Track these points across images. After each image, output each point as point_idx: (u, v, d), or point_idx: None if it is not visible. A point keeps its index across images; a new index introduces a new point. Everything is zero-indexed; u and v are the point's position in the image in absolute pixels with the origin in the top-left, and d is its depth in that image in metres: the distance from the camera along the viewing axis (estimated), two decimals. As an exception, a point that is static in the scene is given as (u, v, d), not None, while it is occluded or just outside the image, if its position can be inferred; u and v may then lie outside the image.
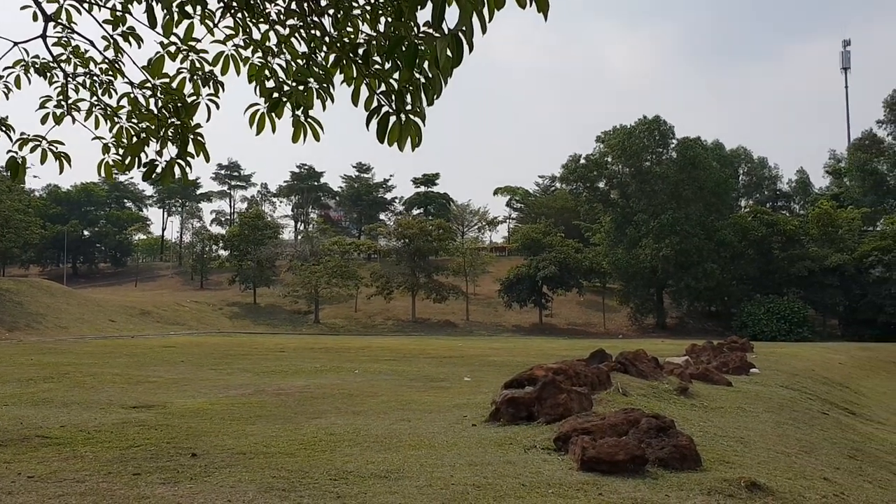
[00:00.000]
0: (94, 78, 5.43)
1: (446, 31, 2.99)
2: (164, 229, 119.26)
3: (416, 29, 3.28)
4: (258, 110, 4.50)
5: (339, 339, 46.62)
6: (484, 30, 3.04)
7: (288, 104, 4.33)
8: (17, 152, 5.08)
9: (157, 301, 71.11)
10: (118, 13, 5.06)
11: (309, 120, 4.38)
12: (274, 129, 4.48)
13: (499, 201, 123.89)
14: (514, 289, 71.91)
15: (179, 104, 4.89)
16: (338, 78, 4.14)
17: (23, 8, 5.04)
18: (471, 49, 3.01)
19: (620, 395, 9.94)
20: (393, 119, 3.58)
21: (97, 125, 5.46)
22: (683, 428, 7.61)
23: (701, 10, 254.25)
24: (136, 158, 5.11)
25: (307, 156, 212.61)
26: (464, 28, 2.97)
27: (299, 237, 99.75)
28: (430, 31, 3.07)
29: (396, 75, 3.58)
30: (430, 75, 3.33)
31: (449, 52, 2.92)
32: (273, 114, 4.41)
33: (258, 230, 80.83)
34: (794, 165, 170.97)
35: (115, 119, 5.38)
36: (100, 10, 5.13)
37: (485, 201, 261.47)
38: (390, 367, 19.56)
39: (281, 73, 4.63)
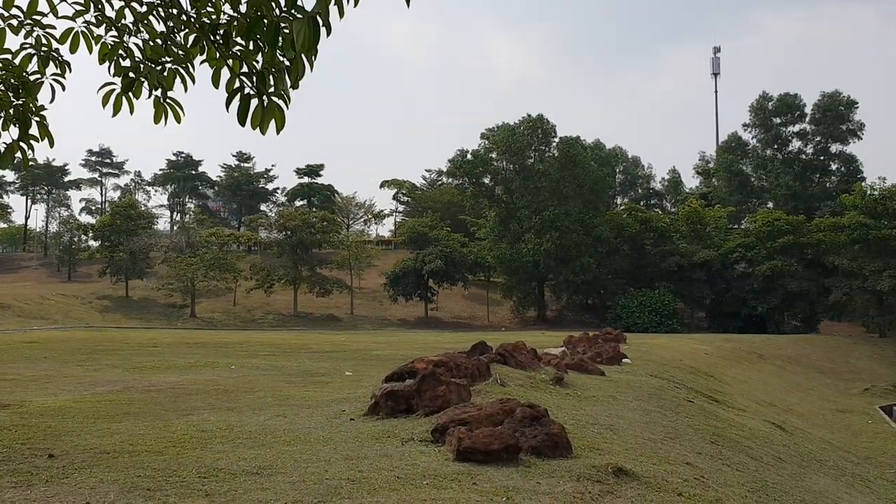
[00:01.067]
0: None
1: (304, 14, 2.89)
2: (27, 218, 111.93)
3: (277, 10, 3.18)
4: (113, 90, 4.21)
5: (217, 333, 45.18)
6: (341, 14, 2.98)
7: (146, 84, 4.10)
8: None
9: (19, 294, 66.76)
10: None
11: (168, 101, 4.16)
12: (132, 111, 4.21)
13: (385, 194, 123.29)
14: (399, 282, 72.01)
15: (20, 83, 4.52)
16: (202, 60, 3.96)
17: None
18: (328, 31, 2.93)
19: (499, 385, 10.09)
20: (255, 102, 3.44)
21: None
22: (557, 417, 7.80)
23: (587, 15, 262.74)
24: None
25: (185, 144, 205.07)
26: (319, 11, 2.89)
27: (175, 228, 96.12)
28: (292, 12, 3.00)
29: (259, 57, 3.45)
30: (293, 58, 3.24)
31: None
32: (130, 94, 4.16)
33: (131, 220, 77.43)
34: (667, 165, 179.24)
35: (-49, 97, 4.92)
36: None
37: (371, 194, 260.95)
38: (269, 363, 19.06)
39: (137, 53, 4.34)
